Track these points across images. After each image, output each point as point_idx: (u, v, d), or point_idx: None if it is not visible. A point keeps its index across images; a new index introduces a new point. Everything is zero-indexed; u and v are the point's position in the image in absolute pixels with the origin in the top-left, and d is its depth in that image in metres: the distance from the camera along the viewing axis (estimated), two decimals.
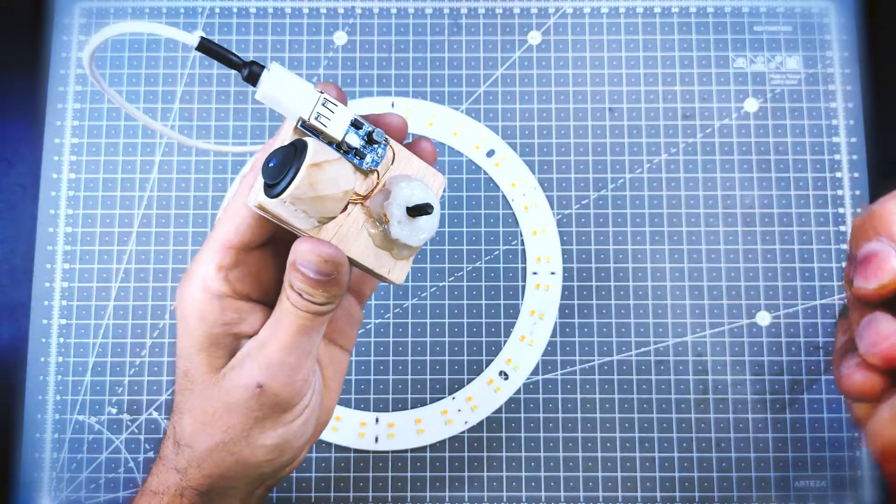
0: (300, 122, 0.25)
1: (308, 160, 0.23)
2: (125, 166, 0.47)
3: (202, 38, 0.24)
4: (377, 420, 0.44)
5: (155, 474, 0.28)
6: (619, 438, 0.44)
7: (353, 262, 0.27)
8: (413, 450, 0.44)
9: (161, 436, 0.44)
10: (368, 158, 0.26)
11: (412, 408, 0.44)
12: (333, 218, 0.25)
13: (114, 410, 0.44)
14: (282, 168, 0.23)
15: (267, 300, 0.28)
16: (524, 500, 0.44)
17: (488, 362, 0.45)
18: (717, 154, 0.47)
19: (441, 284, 0.46)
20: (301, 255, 0.24)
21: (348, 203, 0.26)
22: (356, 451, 0.44)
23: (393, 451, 0.44)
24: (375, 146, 0.26)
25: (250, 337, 0.27)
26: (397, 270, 0.27)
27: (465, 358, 0.45)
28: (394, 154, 0.27)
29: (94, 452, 0.44)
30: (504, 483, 0.44)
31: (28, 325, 0.45)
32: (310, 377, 0.27)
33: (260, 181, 0.25)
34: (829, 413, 0.45)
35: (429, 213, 0.26)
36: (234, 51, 0.48)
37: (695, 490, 0.44)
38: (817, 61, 0.48)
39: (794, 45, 0.48)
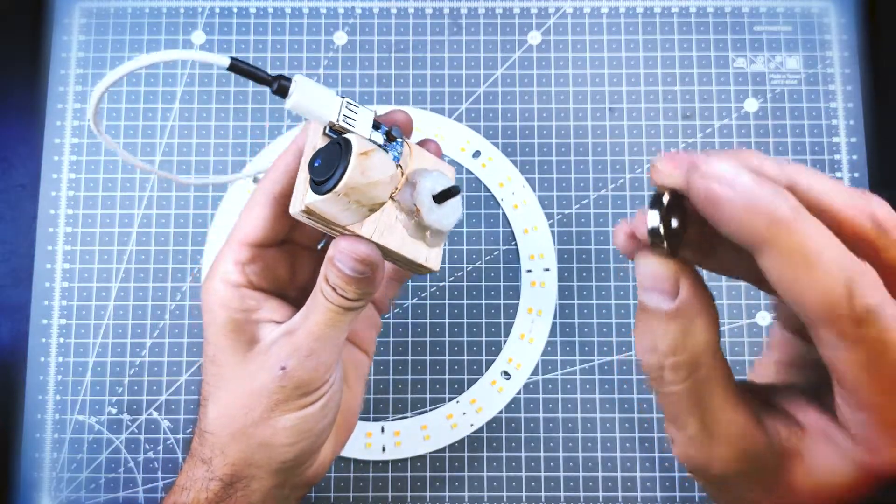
0: (328, 127, 0.26)
1: (356, 150, 0.25)
2: (125, 166, 0.47)
3: (232, 58, 0.25)
4: (382, 430, 0.44)
5: (184, 471, 0.29)
6: (619, 438, 0.44)
7: (391, 255, 0.28)
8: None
9: (161, 435, 0.44)
10: (391, 155, 0.27)
11: (413, 408, 0.44)
12: (383, 204, 0.26)
13: (114, 410, 0.44)
14: (330, 164, 0.25)
15: (281, 294, 0.30)
16: (524, 500, 0.44)
17: (489, 362, 0.45)
18: None
19: (441, 284, 0.46)
20: (340, 252, 0.26)
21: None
22: (365, 462, 0.44)
23: (402, 460, 0.44)
24: (395, 143, 0.28)
25: (271, 321, 0.29)
26: (433, 258, 0.29)
27: (466, 358, 0.45)
28: (410, 149, 0.28)
29: (94, 452, 0.44)
30: (504, 483, 0.44)
31: (28, 325, 0.45)
32: (332, 366, 0.29)
33: (299, 191, 0.26)
34: None
35: (455, 195, 0.27)
36: (233, 51, 0.48)
37: (695, 490, 0.44)
38: (817, 61, 0.48)
39: (794, 45, 0.48)
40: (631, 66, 0.48)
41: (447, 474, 0.44)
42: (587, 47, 0.48)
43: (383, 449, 0.44)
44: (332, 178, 0.25)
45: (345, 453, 0.44)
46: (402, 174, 0.28)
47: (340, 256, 0.26)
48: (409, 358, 0.45)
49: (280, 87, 0.26)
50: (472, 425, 0.44)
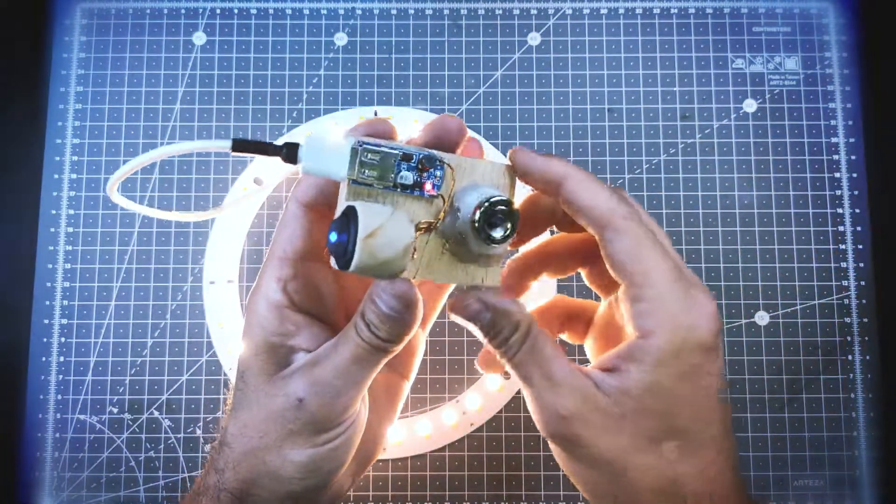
0: (351, 181, 0.25)
1: (361, 233, 0.23)
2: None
3: (234, 140, 0.25)
4: None
5: (201, 476, 0.29)
6: None
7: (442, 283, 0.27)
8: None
9: (162, 435, 0.44)
10: (428, 185, 0.26)
11: (413, 408, 0.45)
12: (403, 271, 0.25)
13: (115, 410, 0.45)
14: (341, 241, 0.24)
15: (326, 318, 0.29)
16: (524, 499, 0.44)
17: None
18: (716, 154, 0.47)
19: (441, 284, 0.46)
20: (378, 287, 0.26)
21: (423, 231, 0.26)
22: (393, 493, 0.44)
23: (402, 459, 0.44)
24: (431, 170, 0.26)
25: (305, 351, 0.28)
26: (491, 275, 0.28)
27: (465, 358, 0.45)
28: (453, 170, 0.26)
29: (96, 452, 0.44)
30: (504, 482, 0.44)
31: (30, 324, 0.45)
32: (352, 406, 0.28)
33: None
34: (828, 412, 0.45)
35: (505, 209, 0.26)
36: (234, 52, 0.48)
37: None
38: (816, 62, 0.48)
39: (792, 45, 0.48)
40: (630, 67, 0.48)
41: (447, 473, 0.44)
42: (586, 48, 0.48)
43: (384, 449, 0.44)
44: (344, 257, 0.24)
45: None
46: (445, 202, 0.26)
47: (378, 292, 0.25)
48: None
49: (289, 154, 0.24)
50: (472, 425, 0.44)
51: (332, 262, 0.25)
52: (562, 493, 0.44)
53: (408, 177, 0.25)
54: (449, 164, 0.26)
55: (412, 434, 0.44)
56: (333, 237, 0.24)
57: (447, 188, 0.26)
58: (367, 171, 0.24)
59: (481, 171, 0.27)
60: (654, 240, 0.27)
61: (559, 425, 0.26)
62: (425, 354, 0.45)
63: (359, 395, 0.28)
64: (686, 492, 0.26)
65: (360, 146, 0.24)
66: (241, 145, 0.25)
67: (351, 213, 0.24)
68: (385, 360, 0.27)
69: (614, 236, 0.26)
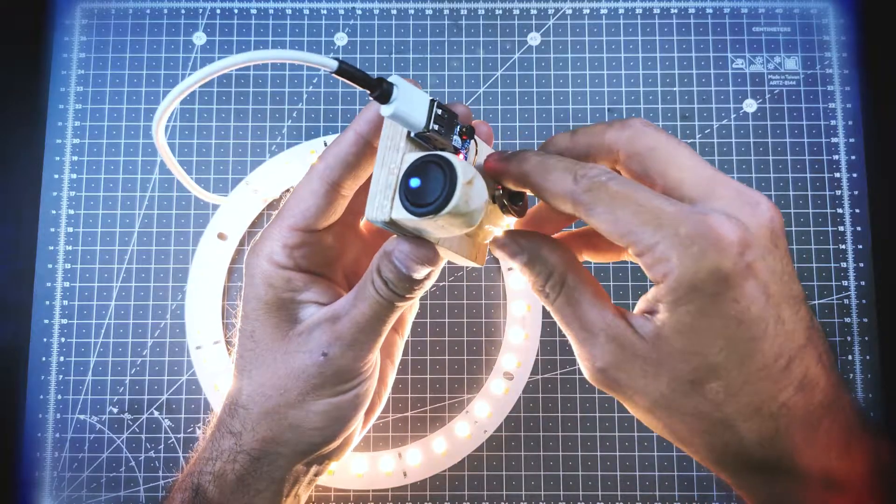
0: (414, 132, 0.25)
1: (462, 178, 0.23)
2: (126, 167, 0.47)
3: (339, 62, 0.24)
4: (399, 455, 0.43)
5: (210, 441, 0.30)
6: (619, 437, 0.44)
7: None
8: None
9: (162, 434, 0.44)
10: (461, 156, 0.26)
11: (412, 407, 0.45)
12: (473, 227, 0.25)
13: (115, 410, 0.45)
14: (431, 187, 0.24)
15: (330, 275, 0.30)
16: (524, 498, 0.44)
17: (488, 361, 0.45)
18: (716, 154, 0.47)
19: (441, 284, 0.46)
20: (401, 252, 0.26)
21: None
22: (393, 489, 0.44)
23: (422, 480, 0.44)
24: (466, 141, 0.27)
25: (315, 304, 0.29)
26: (480, 254, 0.29)
27: (465, 357, 0.45)
28: (476, 147, 0.27)
29: (96, 452, 0.44)
30: (504, 481, 0.44)
31: (29, 324, 0.45)
32: (372, 357, 0.29)
33: (379, 198, 0.25)
34: None
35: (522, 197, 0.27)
36: (234, 52, 0.48)
37: (693, 489, 0.44)
38: (816, 62, 0.48)
39: (792, 45, 0.48)
40: (630, 67, 0.48)
41: (447, 473, 0.44)
42: (586, 48, 0.48)
43: (405, 474, 0.43)
44: (434, 203, 0.23)
45: (365, 486, 0.43)
46: None
47: (401, 256, 0.26)
48: (410, 357, 0.45)
49: (382, 93, 0.24)
50: (485, 432, 0.44)
51: (388, 211, 0.25)
52: (562, 493, 0.44)
53: (458, 141, 0.26)
54: (476, 141, 0.27)
55: (439, 459, 0.44)
56: (416, 182, 0.24)
57: (471, 162, 0.27)
58: (436, 127, 0.25)
59: (486, 153, 0.28)
60: (632, 193, 0.24)
61: (599, 375, 0.26)
62: (425, 354, 0.45)
63: (378, 345, 0.29)
64: (742, 431, 0.25)
65: (434, 99, 0.25)
66: (344, 70, 0.24)
67: (443, 161, 0.24)
68: (401, 311, 0.28)
69: (587, 215, 0.25)
